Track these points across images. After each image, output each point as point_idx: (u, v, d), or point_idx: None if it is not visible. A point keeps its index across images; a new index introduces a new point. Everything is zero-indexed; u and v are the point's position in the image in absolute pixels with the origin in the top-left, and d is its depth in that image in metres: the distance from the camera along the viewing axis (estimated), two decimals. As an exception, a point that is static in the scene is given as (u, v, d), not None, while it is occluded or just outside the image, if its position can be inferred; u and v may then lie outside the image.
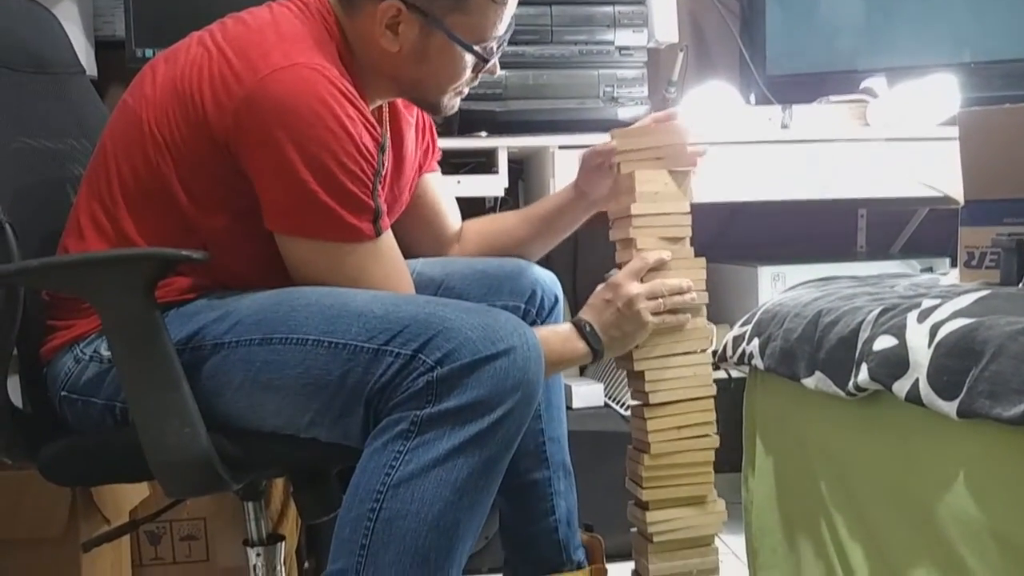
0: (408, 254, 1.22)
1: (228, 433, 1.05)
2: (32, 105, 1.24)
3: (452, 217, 1.44)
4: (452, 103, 1.21)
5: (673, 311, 1.22)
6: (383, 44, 1.11)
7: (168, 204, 1.08)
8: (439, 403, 0.96)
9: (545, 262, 1.44)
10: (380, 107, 1.25)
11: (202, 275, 1.10)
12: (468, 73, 1.17)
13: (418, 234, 1.41)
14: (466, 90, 1.21)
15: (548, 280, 1.39)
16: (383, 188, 1.12)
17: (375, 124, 1.07)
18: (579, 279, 2.19)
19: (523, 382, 0.98)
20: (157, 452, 1.03)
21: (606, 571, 1.39)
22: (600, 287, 1.23)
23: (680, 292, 1.22)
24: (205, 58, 1.06)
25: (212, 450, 1.02)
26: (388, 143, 1.27)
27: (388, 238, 1.10)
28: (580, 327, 1.18)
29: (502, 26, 1.15)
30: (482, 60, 1.16)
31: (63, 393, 1.09)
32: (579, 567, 1.37)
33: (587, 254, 2.17)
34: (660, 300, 1.20)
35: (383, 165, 1.10)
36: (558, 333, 1.18)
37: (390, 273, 1.10)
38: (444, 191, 1.44)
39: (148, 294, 1.00)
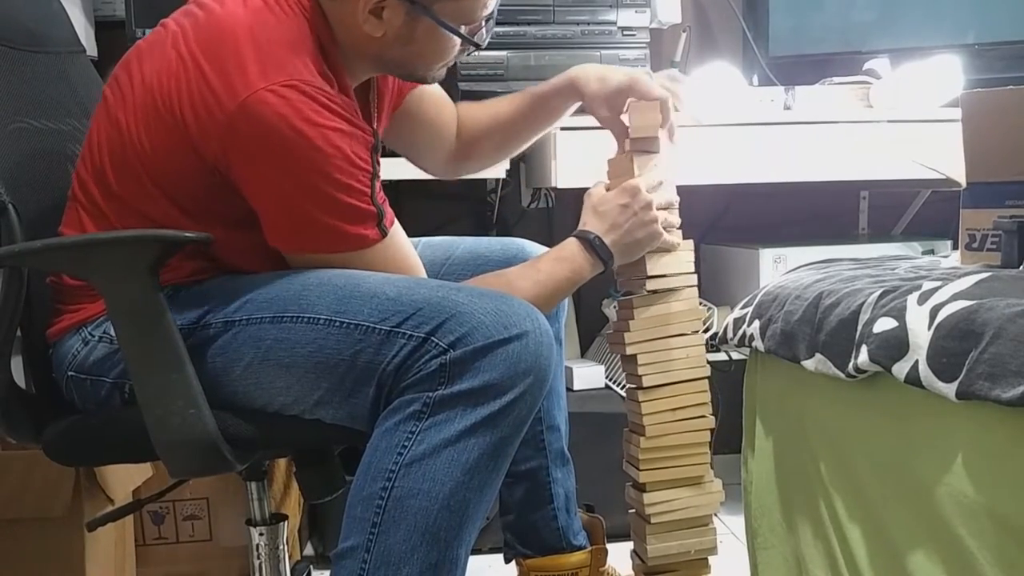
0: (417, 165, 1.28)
1: (233, 413, 1.05)
2: (32, 85, 1.22)
3: (448, 122, 1.40)
4: (439, 74, 1.19)
5: (668, 229, 1.22)
6: (366, 29, 1.08)
7: (150, 221, 1.07)
8: (452, 385, 0.96)
9: (548, 239, 1.44)
10: (368, 80, 1.23)
11: (210, 258, 1.10)
12: (456, 51, 1.15)
13: (421, 153, 1.41)
14: (452, 62, 1.19)
15: None
16: (379, 175, 1.11)
17: (364, 127, 1.05)
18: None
19: (535, 367, 0.99)
20: (161, 432, 1.03)
21: (606, 551, 1.40)
22: (607, 193, 1.20)
23: (670, 207, 1.23)
24: (181, 70, 1.02)
25: (217, 431, 1.03)
26: (378, 122, 1.25)
27: (395, 234, 1.10)
28: (588, 241, 1.17)
29: (491, 3, 1.12)
30: (472, 44, 1.14)
31: (70, 373, 1.09)
32: (579, 549, 1.38)
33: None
34: (664, 212, 1.21)
35: (377, 163, 1.09)
36: (563, 260, 1.16)
37: (401, 265, 1.10)
38: (435, 101, 1.38)
39: (151, 276, 1.00)
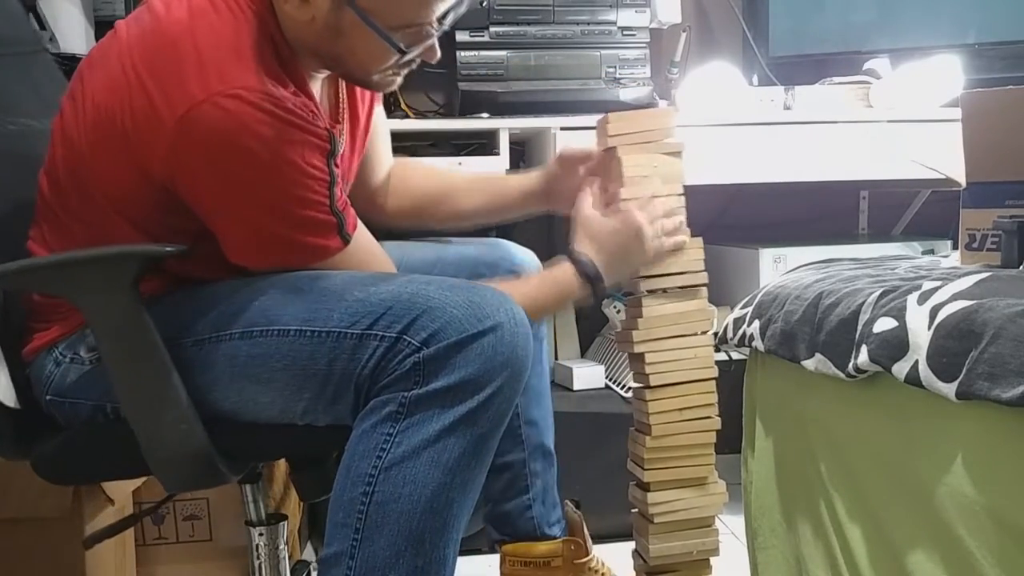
0: None
1: (225, 426, 1.03)
2: None
3: (379, 166, 1.34)
4: (388, 80, 1.10)
5: (670, 235, 1.22)
6: (289, 10, 1.01)
7: (110, 241, 1.04)
8: (427, 384, 0.94)
9: (547, 245, 1.44)
10: (338, 81, 1.18)
11: (175, 271, 1.07)
12: (394, 57, 1.05)
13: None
14: (404, 70, 1.11)
15: (531, 262, 1.39)
16: (341, 181, 1.06)
17: (319, 132, 0.99)
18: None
19: (512, 359, 0.96)
20: (155, 449, 1.01)
21: (581, 544, 1.40)
22: (603, 216, 1.19)
23: (672, 214, 1.23)
24: (124, 84, 0.98)
25: (210, 445, 1.01)
26: (346, 117, 1.20)
27: (359, 238, 1.06)
28: (580, 265, 1.15)
29: (437, 6, 1.02)
30: (397, 50, 1.03)
31: (48, 397, 1.08)
32: (552, 540, 1.39)
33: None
34: (659, 224, 1.20)
35: (336, 166, 1.03)
36: (557, 282, 1.15)
37: (368, 268, 1.07)
38: (379, 134, 1.32)
39: (133, 291, 0.98)
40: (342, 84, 1.20)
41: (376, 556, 0.95)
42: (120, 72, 0.99)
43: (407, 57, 1.06)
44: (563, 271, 1.16)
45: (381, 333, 0.96)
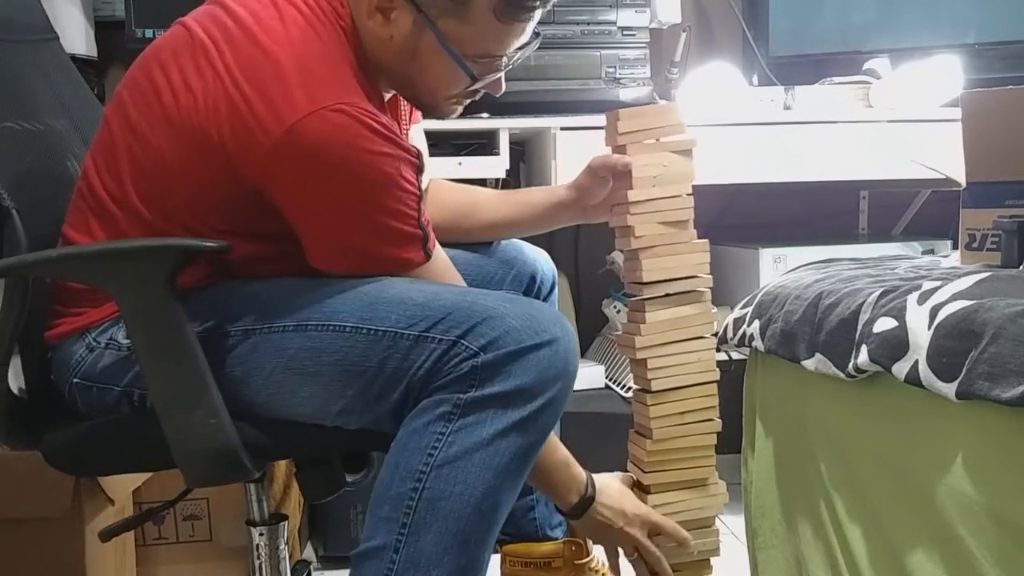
0: None
1: (252, 422, 1.03)
2: (11, 81, 1.17)
3: None
4: (451, 108, 1.14)
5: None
6: (371, 26, 1.04)
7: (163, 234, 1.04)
8: (483, 388, 0.96)
9: (548, 240, 1.43)
10: (397, 99, 1.20)
11: (225, 263, 1.07)
12: (464, 84, 1.09)
13: None
14: (467, 99, 1.14)
15: (545, 263, 1.39)
16: (424, 196, 1.09)
17: (409, 147, 1.02)
18: (580, 258, 2.19)
19: (564, 373, 0.99)
20: (181, 443, 1.01)
21: (581, 545, 1.40)
22: (632, 503, 1.24)
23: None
24: (220, 90, 0.98)
25: (238, 441, 1.01)
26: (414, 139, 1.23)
27: (438, 254, 1.09)
28: (584, 490, 1.20)
29: (513, 42, 1.07)
30: (471, 77, 1.07)
31: (75, 380, 1.07)
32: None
33: (588, 231, 2.17)
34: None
35: (423, 182, 1.06)
36: (568, 466, 1.19)
37: (445, 281, 1.09)
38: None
39: (169, 285, 0.98)
40: (400, 109, 1.22)
41: (422, 552, 0.95)
42: (212, 76, 0.99)
43: (476, 86, 1.09)
44: (579, 473, 1.20)
45: (439, 336, 0.97)
